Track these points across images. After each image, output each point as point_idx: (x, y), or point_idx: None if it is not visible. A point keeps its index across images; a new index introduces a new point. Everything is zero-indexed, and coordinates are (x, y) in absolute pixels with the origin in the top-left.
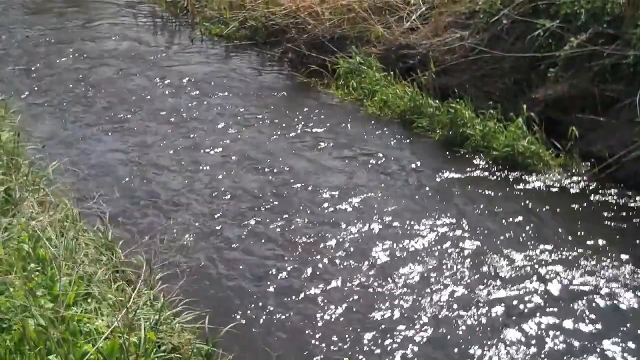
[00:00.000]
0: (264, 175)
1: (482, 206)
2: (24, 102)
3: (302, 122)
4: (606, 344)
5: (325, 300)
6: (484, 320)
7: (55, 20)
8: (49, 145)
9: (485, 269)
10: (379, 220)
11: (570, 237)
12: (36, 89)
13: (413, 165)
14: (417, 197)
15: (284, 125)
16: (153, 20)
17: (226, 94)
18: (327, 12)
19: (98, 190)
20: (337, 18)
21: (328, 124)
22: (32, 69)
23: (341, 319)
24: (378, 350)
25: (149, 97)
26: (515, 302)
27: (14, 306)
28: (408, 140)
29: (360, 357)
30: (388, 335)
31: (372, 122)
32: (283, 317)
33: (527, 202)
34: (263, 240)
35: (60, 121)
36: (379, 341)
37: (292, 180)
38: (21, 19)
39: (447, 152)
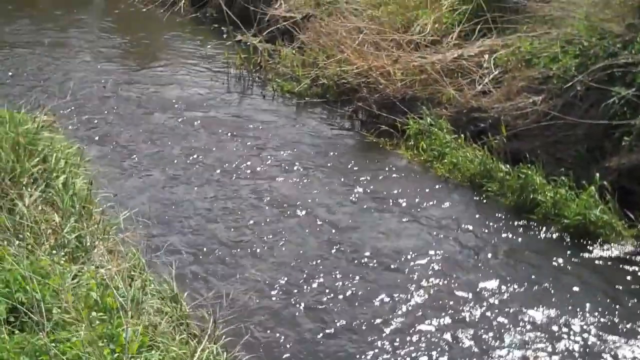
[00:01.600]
0: (330, 235)
1: (551, 276)
2: (97, 151)
3: (370, 182)
4: None
5: None
6: None
7: (131, 68)
8: (120, 194)
9: (554, 342)
10: (446, 286)
11: None
12: (110, 138)
13: (482, 231)
14: (485, 263)
15: (351, 184)
16: (227, 74)
17: (295, 150)
18: (398, 73)
19: (166, 241)
20: (408, 79)
21: (396, 185)
22: (108, 118)
23: None
24: None
25: (219, 150)
26: None
27: (79, 355)
28: (477, 205)
29: None
30: None
31: (441, 184)
32: None
33: (598, 273)
34: (329, 303)
35: (132, 170)
36: None
37: (358, 241)
38: (98, 67)
39: (517, 218)
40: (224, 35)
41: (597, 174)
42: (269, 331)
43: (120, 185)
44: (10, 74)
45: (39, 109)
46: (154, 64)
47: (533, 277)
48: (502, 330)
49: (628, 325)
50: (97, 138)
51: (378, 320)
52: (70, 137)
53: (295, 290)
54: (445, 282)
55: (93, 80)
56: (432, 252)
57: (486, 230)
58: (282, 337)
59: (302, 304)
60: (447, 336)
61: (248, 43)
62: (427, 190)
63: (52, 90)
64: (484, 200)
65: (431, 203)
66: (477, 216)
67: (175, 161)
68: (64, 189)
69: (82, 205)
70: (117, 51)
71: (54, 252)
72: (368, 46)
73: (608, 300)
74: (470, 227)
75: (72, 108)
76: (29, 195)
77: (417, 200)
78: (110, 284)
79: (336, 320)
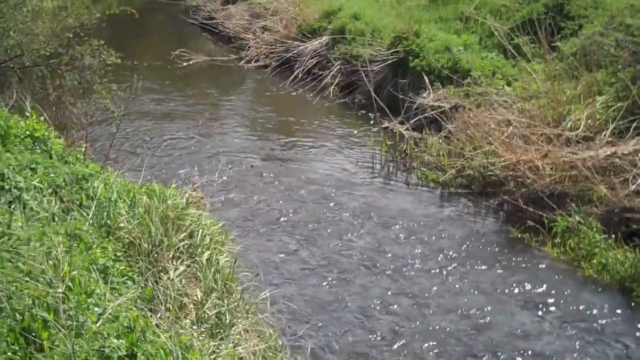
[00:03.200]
0: (469, 331)
1: None
2: (242, 229)
3: (513, 279)
4: None
5: None
6: None
7: (278, 147)
8: (262, 274)
9: None
10: None
11: None
12: (255, 216)
13: (631, 339)
14: None
15: (493, 280)
16: (372, 159)
17: (436, 241)
18: (547, 168)
19: (304, 326)
20: (558, 174)
21: (540, 283)
22: (254, 197)
23: None
24: None
25: (363, 235)
26: None
27: None
28: (627, 310)
29: None
30: None
31: (588, 285)
32: None
33: None
34: None
35: (276, 252)
36: None
37: (496, 339)
38: (247, 146)
39: None
40: (371, 122)
41: None
42: None
43: (262, 264)
44: (164, 148)
45: (188, 185)
46: (301, 145)
47: None
48: None
49: None
50: (242, 216)
51: None
52: (217, 214)
53: None
54: None
55: (242, 159)
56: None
57: (635, 339)
58: None
59: None
60: None
61: (394, 130)
62: (572, 291)
63: (202, 167)
64: (634, 306)
65: (577, 305)
66: (626, 322)
67: (319, 243)
68: (208, 264)
69: (224, 282)
70: (266, 131)
71: (194, 326)
72: (517, 139)
73: None
74: (618, 334)
75: (220, 185)
76: (174, 268)
77: (561, 300)
78: None
79: None
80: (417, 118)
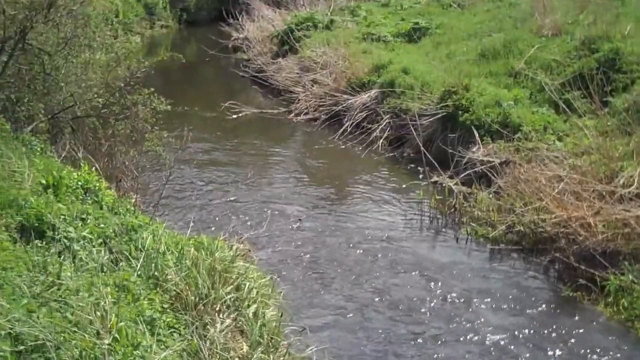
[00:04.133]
0: None
1: None
2: (289, 283)
3: (564, 338)
4: None
5: None
6: None
7: (326, 201)
8: (308, 327)
9: None
10: None
11: None
12: (302, 270)
13: None
14: None
15: (542, 339)
16: (421, 214)
17: (485, 298)
18: (600, 225)
19: None
20: (610, 232)
21: (593, 344)
22: (301, 251)
23: None
24: None
25: (409, 292)
26: None
27: None
28: None
29: None
30: None
31: None
32: None
33: None
34: None
35: (322, 305)
36: None
37: None
38: (294, 198)
39: None
40: (420, 176)
41: None
42: None
43: (309, 319)
44: (213, 199)
45: (235, 237)
46: (349, 198)
47: None
48: None
49: None
50: (289, 270)
51: None
52: (263, 267)
53: None
54: None
55: (290, 211)
56: None
57: None
58: None
59: None
60: None
61: (444, 184)
62: (626, 352)
63: (250, 218)
64: None
65: None
66: None
67: (366, 297)
68: (254, 318)
69: (270, 337)
70: (315, 183)
71: None
72: (568, 195)
73: None
74: None
75: (268, 238)
76: (221, 322)
77: None
78: None
79: None
80: (466, 173)
